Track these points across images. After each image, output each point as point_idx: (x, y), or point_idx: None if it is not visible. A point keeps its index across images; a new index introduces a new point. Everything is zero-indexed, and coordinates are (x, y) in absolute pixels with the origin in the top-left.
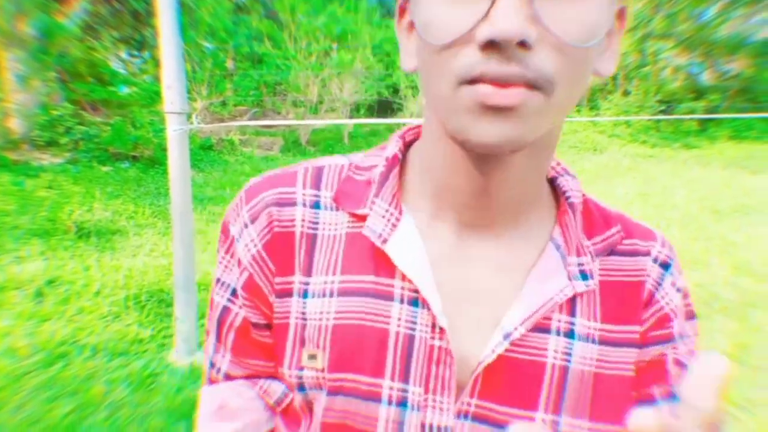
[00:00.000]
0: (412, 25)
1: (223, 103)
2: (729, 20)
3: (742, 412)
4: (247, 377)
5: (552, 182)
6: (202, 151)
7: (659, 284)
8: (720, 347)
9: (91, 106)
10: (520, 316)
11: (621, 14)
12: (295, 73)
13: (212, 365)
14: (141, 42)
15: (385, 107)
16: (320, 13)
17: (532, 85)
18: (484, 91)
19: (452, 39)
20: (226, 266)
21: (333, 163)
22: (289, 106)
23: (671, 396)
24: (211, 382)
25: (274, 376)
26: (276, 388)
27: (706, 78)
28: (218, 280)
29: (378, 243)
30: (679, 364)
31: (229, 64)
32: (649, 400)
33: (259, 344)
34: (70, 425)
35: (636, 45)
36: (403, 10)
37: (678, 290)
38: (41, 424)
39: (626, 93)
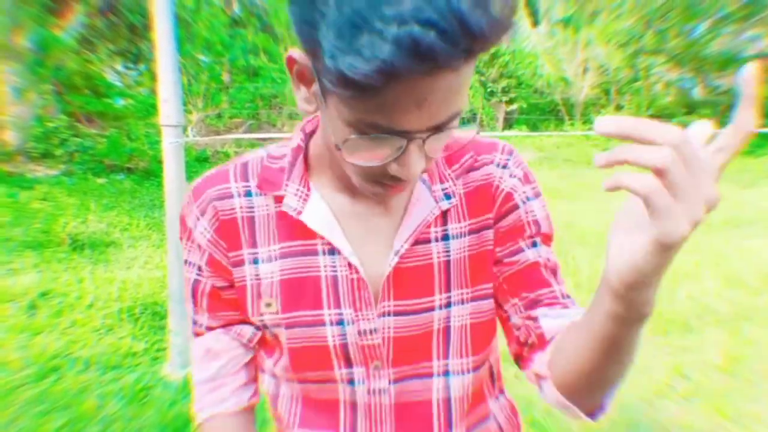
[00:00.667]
0: (307, 86)
1: (219, 116)
2: (719, 36)
3: (734, 424)
4: (223, 326)
5: None
6: (198, 164)
7: (501, 178)
8: (712, 360)
9: (86, 118)
10: (403, 237)
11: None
12: (291, 85)
13: (195, 323)
14: (137, 54)
15: None
16: None
17: None
18: (384, 191)
19: (369, 166)
20: (189, 250)
21: (254, 156)
22: (285, 118)
23: (533, 245)
24: (197, 335)
25: (244, 321)
26: (246, 330)
27: (698, 93)
28: (186, 261)
29: (295, 215)
30: (533, 220)
31: (225, 77)
32: (514, 250)
33: (227, 300)
34: None
35: (628, 60)
36: (302, 75)
37: (512, 176)
38: None
39: (619, 107)
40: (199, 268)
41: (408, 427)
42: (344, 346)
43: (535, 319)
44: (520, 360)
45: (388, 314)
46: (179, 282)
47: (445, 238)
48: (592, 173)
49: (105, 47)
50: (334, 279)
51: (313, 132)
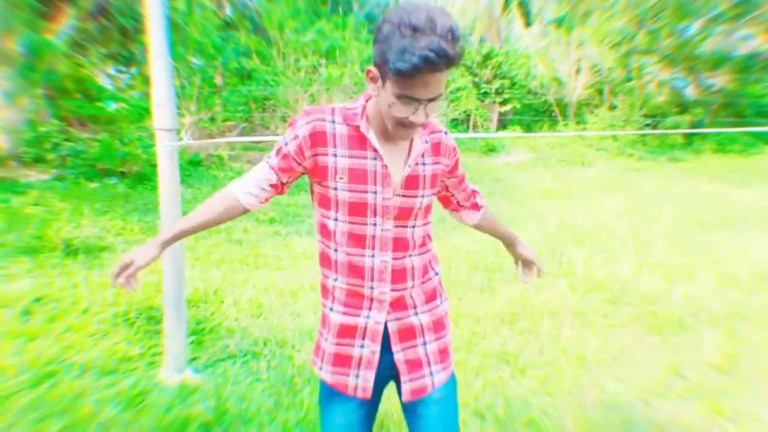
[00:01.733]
0: (376, 83)
1: (212, 119)
2: (711, 36)
3: (730, 423)
4: (275, 169)
5: None
6: (191, 167)
7: (447, 142)
8: (708, 359)
9: (78, 123)
10: (411, 159)
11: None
12: (284, 88)
13: (269, 158)
14: (129, 58)
15: None
16: (308, 30)
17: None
18: (405, 131)
19: (400, 117)
20: (288, 135)
21: (338, 106)
22: (279, 120)
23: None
24: (266, 164)
25: (283, 174)
26: (281, 178)
27: (690, 92)
28: (284, 137)
29: (365, 134)
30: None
31: (218, 80)
32: (454, 172)
33: (286, 164)
34: None
35: (620, 60)
36: (374, 78)
37: (450, 141)
38: None
39: (612, 107)
40: (287, 144)
41: (398, 247)
42: (374, 205)
43: (474, 195)
44: (452, 210)
45: (399, 196)
46: (174, 286)
47: (425, 164)
48: (585, 173)
49: (97, 51)
50: (375, 172)
51: (368, 99)
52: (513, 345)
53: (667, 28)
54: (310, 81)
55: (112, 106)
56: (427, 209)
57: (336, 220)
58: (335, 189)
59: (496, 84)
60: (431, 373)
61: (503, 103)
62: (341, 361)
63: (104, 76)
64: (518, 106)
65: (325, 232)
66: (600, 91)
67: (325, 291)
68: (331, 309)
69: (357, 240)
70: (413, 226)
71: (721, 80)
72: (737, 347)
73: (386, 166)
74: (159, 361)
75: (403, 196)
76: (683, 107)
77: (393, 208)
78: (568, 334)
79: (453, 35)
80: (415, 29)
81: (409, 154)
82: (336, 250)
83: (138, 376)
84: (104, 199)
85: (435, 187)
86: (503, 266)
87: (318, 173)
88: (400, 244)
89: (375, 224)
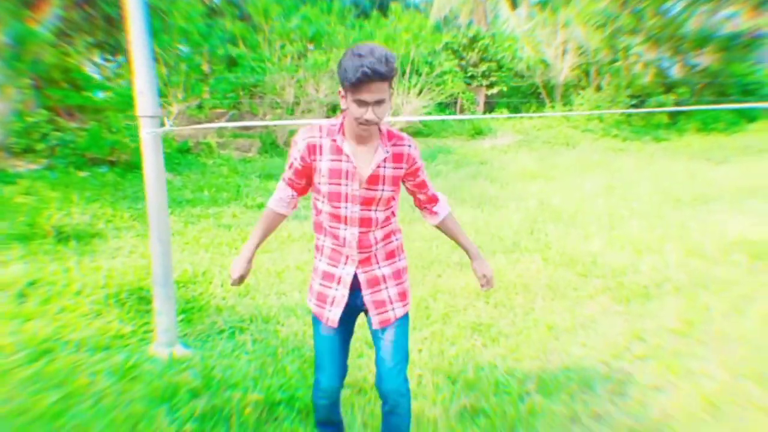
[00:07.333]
0: (343, 98)
1: (200, 106)
2: (695, 15)
3: (682, 380)
4: (291, 180)
5: (380, 130)
6: (180, 155)
7: (409, 153)
8: (668, 324)
9: (66, 112)
10: (374, 163)
11: (390, 94)
12: (271, 75)
13: (285, 175)
14: (115, 47)
15: None
16: (293, 15)
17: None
18: (363, 128)
19: (356, 116)
20: (293, 150)
21: (327, 122)
22: (266, 107)
23: (417, 177)
24: (283, 180)
25: (297, 185)
26: (296, 191)
27: (676, 72)
28: (290, 154)
29: (340, 145)
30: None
31: (205, 67)
32: (415, 175)
33: (299, 173)
34: (58, 413)
35: (606, 41)
36: (342, 95)
37: (412, 151)
38: (30, 413)
39: (599, 88)
40: (295, 158)
41: (363, 224)
42: (347, 194)
43: (434, 202)
44: (417, 206)
45: (364, 188)
46: (162, 265)
47: (386, 169)
48: (569, 154)
49: (83, 40)
50: (347, 171)
51: (345, 116)
52: (487, 317)
53: (651, 8)
54: (296, 67)
55: (100, 96)
56: (389, 199)
57: (322, 202)
58: (319, 183)
59: (483, 67)
60: (393, 309)
61: (490, 86)
62: (322, 298)
63: (91, 65)
64: (505, 89)
65: (317, 209)
66: (586, 73)
67: (317, 248)
68: (320, 260)
69: (335, 217)
70: (376, 210)
71: (705, 59)
72: (696, 314)
73: (356, 167)
74: (150, 338)
75: (367, 188)
76: (668, 87)
77: (359, 197)
78: (539, 306)
79: (386, 59)
80: (360, 56)
81: (373, 159)
82: (323, 222)
83: (130, 351)
84: (94, 188)
85: (395, 186)
86: (482, 245)
87: (313, 172)
88: (365, 222)
89: (346, 207)
